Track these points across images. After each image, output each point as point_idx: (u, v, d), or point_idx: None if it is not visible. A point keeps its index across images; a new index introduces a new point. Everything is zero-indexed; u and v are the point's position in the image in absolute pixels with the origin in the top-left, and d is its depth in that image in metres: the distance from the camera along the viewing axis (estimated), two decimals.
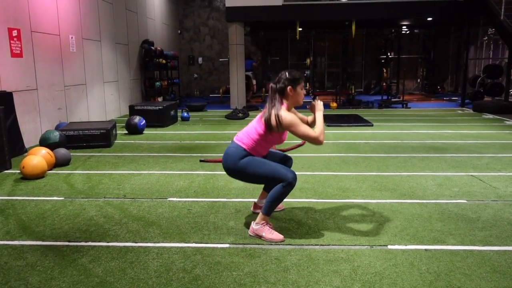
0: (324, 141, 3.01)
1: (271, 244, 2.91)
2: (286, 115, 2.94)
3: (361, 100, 12.53)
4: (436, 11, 11.43)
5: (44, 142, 5.68)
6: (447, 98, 14.22)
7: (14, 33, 6.19)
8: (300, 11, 11.62)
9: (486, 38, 14.15)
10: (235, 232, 3.14)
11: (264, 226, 3.01)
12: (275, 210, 3.25)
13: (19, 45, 6.32)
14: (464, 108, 11.41)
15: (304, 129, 2.95)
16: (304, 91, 3.14)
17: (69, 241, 3.00)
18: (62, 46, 7.63)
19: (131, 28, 11.21)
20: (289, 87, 3.01)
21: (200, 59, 17.20)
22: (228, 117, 9.89)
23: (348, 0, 11.47)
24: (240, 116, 9.78)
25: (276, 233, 3.01)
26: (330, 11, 11.58)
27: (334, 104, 11.69)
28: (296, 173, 3.03)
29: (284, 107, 3.01)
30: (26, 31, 6.51)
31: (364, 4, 11.41)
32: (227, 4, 11.44)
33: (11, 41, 6.13)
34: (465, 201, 3.77)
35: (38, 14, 6.86)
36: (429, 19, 12.68)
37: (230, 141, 3.28)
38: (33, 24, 6.70)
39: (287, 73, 3.06)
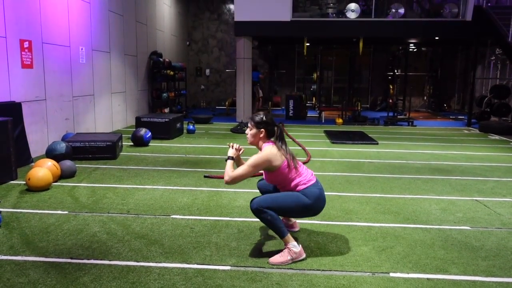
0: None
1: (273, 268, 2.91)
2: None
3: (367, 116, 12.53)
4: (443, 31, 11.47)
5: (51, 153, 5.73)
6: (453, 117, 14.19)
7: (26, 44, 6.29)
8: (308, 28, 11.70)
9: (494, 58, 14.13)
10: (237, 253, 3.14)
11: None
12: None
13: (30, 56, 6.41)
14: (470, 128, 11.38)
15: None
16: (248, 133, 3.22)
17: (71, 258, 3.01)
18: (72, 57, 7.73)
19: (140, 39, 11.34)
20: None
21: (207, 71, 17.33)
22: (234, 130, 9.93)
23: (356, 17, 11.55)
24: (245, 130, 9.79)
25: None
26: (338, 28, 11.65)
27: (340, 120, 11.70)
28: None
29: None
30: (37, 43, 6.61)
31: (372, 22, 11.47)
32: (236, 19, 11.54)
33: (22, 52, 6.22)
34: (468, 227, 3.75)
35: (49, 25, 6.96)
36: (436, 38, 12.72)
37: None
38: (44, 35, 6.80)
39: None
